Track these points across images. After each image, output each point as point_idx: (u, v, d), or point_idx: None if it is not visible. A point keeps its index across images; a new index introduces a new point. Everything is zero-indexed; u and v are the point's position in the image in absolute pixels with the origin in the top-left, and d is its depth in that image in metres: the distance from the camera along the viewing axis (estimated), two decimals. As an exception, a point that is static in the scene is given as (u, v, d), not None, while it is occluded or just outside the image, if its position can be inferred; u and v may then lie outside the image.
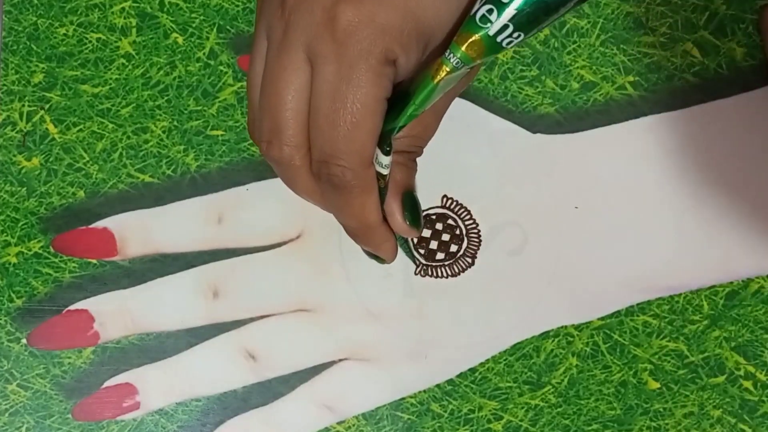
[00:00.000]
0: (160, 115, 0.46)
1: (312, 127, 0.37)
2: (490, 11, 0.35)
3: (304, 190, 0.39)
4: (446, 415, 0.45)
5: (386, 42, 0.36)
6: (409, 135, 0.39)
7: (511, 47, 0.35)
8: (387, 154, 0.38)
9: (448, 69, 0.36)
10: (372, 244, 0.40)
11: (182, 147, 0.46)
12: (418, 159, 0.41)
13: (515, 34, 0.35)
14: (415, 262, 0.46)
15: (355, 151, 0.37)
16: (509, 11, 0.35)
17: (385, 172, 0.38)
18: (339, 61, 0.36)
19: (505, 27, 0.35)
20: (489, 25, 0.35)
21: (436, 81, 0.36)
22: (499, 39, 0.35)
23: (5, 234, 0.45)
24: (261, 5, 0.39)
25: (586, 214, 0.46)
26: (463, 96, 0.46)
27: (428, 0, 0.37)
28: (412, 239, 0.45)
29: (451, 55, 0.36)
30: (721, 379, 0.46)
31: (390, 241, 0.41)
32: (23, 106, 0.45)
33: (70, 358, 0.44)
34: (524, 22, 0.35)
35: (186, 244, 0.45)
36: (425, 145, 0.41)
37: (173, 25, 0.46)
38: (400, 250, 0.44)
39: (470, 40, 0.35)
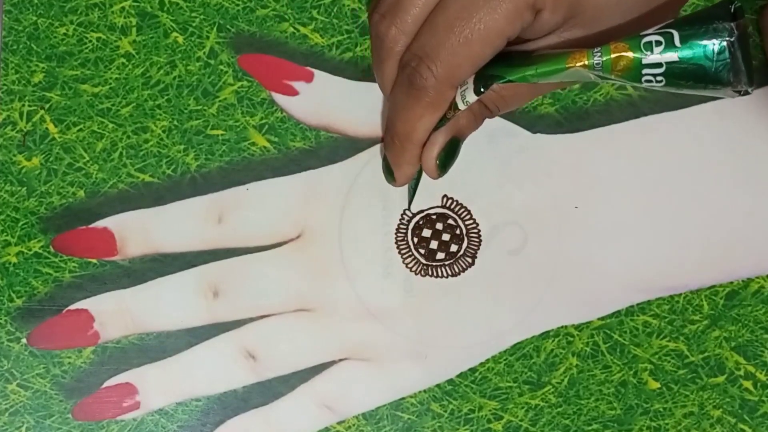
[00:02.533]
0: (160, 114, 0.46)
1: (427, 23, 0.37)
2: (658, 43, 0.35)
3: (384, 74, 0.39)
4: (446, 414, 0.45)
5: None
6: (499, 93, 0.40)
7: (642, 85, 0.36)
8: (477, 93, 0.38)
9: (586, 63, 0.36)
10: (398, 158, 0.41)
11: (182, 146, 0.46)
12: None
13: (658, 78, 0.35)
14: (409, 205, 0.45)
15: (453, 65, 0.37)
16: (671, 55, 0.35)
17: (462, 107, 0.38)
18: None
19: (658, 65, 0.35)
20: (648, 54, 0.35)
21: (567, 66, 0.36)
22: (644, 71, 0.35)
23: (5, 234, 0.45)
24: None
25: (587, 214, 0.46)
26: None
27: None
28: (412, 193, 0.45)
29: (599, 55, 0.36)
30: (721, 379, 0.46)
31: (413, 167, 0.41)
32: (23, 105, 0.45)
33: (70, 357, 0.44)
34: (675, 74, 0.35)
35: (186, 244, 0.45)
36: (504, 112, 0.41)
37: (173, 25, 0.46)
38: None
39: (624, 54, 0.35)
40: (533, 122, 0.46)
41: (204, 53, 0.46)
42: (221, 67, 0.46)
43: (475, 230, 0.45)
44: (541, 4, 0.36)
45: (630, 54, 0.35)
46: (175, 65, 0.46)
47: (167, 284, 0.45)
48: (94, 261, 0.45)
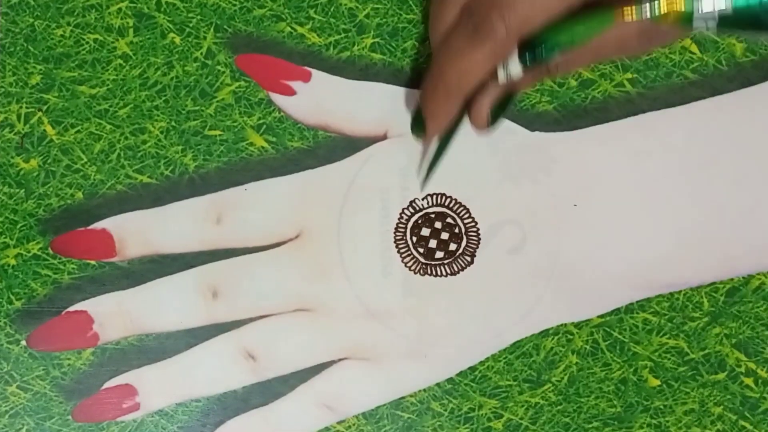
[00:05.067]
0: (158, 115, 0.46)
1: None
2: None
3: (441, 20, 0.39)
4: (446, 413, 0.45)
5: None
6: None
7: (698, 30, 0.35)
8: (525, 66, 0.37)
9: (634, 12, 0.35)
10: (439, 107, 0.40)
11: (180, 147, 0.46)
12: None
13: (710, 25, 0.34)
14: (425, 180, 0.44)
15: (526, 17, 0.36)
16: (725, 4, 0.34)
17: (502, 79, 0.37)
18: None
19: (709, 16, 0.34)
20: (699, 5, 0.34)
21: (617, 16, 0.35)
22: (696, 23, 0.34)
23: (4, 236, 0.45)
24: None
25: (586, 212, 0.46)
26: (461, 94, 0.46)
27: None
28: (429, 172, 0.44)
29: (648, 9, 0.35)
30: (722, 376, 0.46)
31: (448, 119, 0.40)
32: (21, 107, 0.45)
33: (69, 359, 0.45)
34: (728, 23, 0.34)
35: (185, 245, 0.45)
36: (565, 73, 0.40)
37: (170, 25, 0.46)
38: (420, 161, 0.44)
39: (676, 9, 0.34)
40: (532, 120, 0.46)
41: (201, 54, 0.46)
42: (219, 67, 0.46)
43: (474, 229, 0.45)
44: None
45: (682, 8, 0.35)
46: (173, 66, 0.46)
47: (166, 285, 0.45)
48: (93, 262, 0.45)
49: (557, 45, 0.36)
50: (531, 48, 0.37)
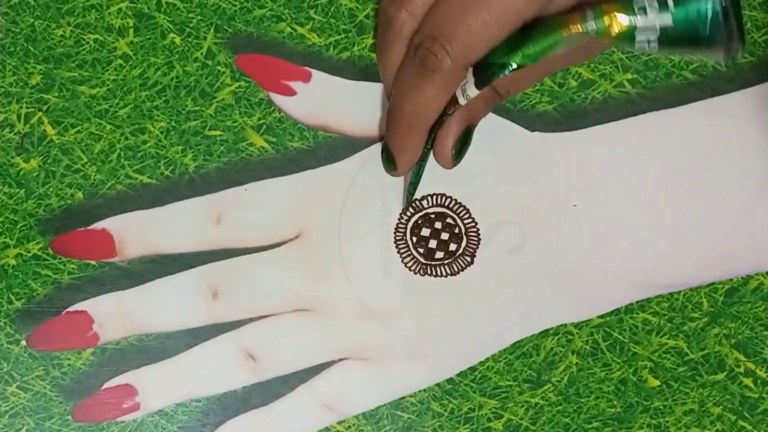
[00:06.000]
0: (158, 115, 0.46)
1: (441, 3, 0.37)
2: (651, 5, 0.34)
3: (390, 58, 0.40)
4: (446, 414, 0.45)
5: None
6: (509, 76, 0.39)
7: (637, 50, 0.35)
8: (479, 87, 0.37)
9: (580, 30, 0.35)
10: (403, 142, 0.40)
11: (180, 147, 0.46)
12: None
13: (652, 44, 0.35)
14: (406, 206, 0.45)
15: (469, 46, 0.37)
16: (666, 18, 0.34)
17: (462, 102, 0.38)
18: None
19: (651, 29, 0.34)
20: (642, 16, 0.34)
21: (563, 36, 0.35)
22: (638, 36, 0.35)
23: (4, 236, 0.45)
24: None
25: (585, 212, 0.46)
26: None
27: None
28: (411, 194, 0.45)
29: (592, 20, 0.35)
30: (721, 376, 0.46)
31: (415, 154, 0.41)
32: (21, 107, 0.45)
33: (69, 359, 0.44)
34: (669, 38, 0.34)
35: (185, 245, 0.45)
36: (515, 94, 0.41)
37: (170, 26, 0.46)
38: (402, 187, 0.44)
39: (617, 18, 0.35)
40: (531, 121, 0.46)
41: (201, 54, 0.46)
42: (219, 67, 0.46)
43: (474, 229, 0.45)
44: None
45: (624, 17, 0.35)
46: (173, 66, 0.46)
47: (166, 285, 0.45)
48: (93, 262, 0.45)
49: (507, 67, 0.37)
50: (484, 71, 0.37)
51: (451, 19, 0.37)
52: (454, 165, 0.42)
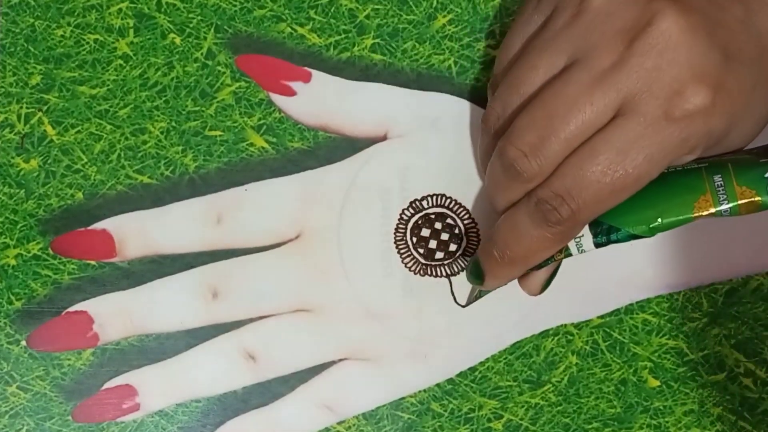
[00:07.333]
0: (158, 115, 0.46)
1: (574, 164, 0.37)
2: None
3: (505, 201, 0.39)
4: (446, 414, 0.45)
5: (704, 142, 0.35)
6: None
7: None
8: (597, 246, 0.38)
9: (713, 211, 0.35)
10: (500, 274, 0.41)
11: (180, 148, 0.46)
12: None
13: None
14: (468, 304, 0.45)
15: (595, 210, 0.37)
16: None
17: (575, 253, 0.38)
18: (654, 133, 0.35)
19: None
20: None
21: (694, 215, 0.36)
22: None
23: (4, 236, 0.45)
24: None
25: (585, 213, 0.46)
26: (462, 95, 0.46)
27: (750, 125, 0.37)
28: (478, 297, 0.45)
29: (725, 202, 0.35)
30: (721, 376, 0.46)
31: (507, 282, 0.42)
32: (21, 108, 0.45)
33: (69, 359, 0.44)
34: None
35: (185, 245, 0.45)
36: None
37: (170, 26, 0.46)
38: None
39: (752, 200, 0.35)
40: (531, 121, 0.46)
41: (201, 54, 0.46)
42: (219, 67, 0.46)
43: (474, 229, 0.45)
44: (692, 150, 0.36)
45: (758, 199, 0.35)
46: (173, 66, 0.46)
47: (166, 285, 0.45)
48: (93, 263, 0.45)
49: (632, 236, 0.37)
50: (605, 233, 0.38)
51: (584, 183, 0.36)
52: (539, 294, 0.43)
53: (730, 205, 0.35)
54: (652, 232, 0.37)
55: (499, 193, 0.40)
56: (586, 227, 0.39)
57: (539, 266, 0.41)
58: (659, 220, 0.36)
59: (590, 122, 0.36)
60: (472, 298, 0.45)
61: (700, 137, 0.36)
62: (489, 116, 0.40)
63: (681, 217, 0.36)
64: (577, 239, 0.39)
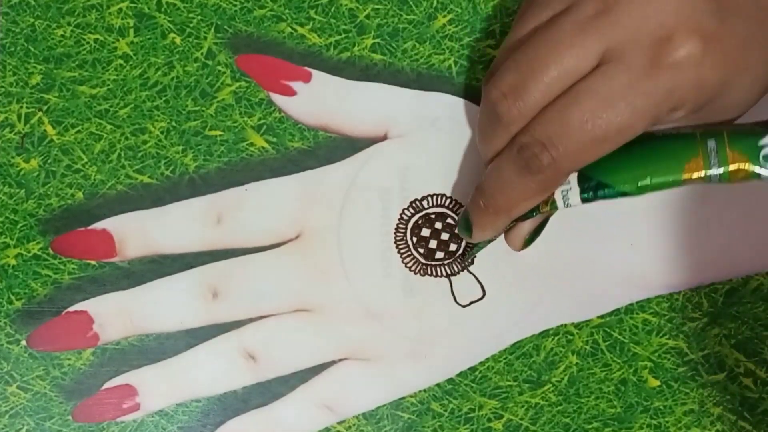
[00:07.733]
0: (159, 115, 0.46)
1: (557, 111, 0.36)
2: None
3: (493, 147, 0.39)
4: (446, 414, 0.45)
5: (693, 96, 0.34)
6: None
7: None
8: (584, 201, 0.37)
9: (702, 175, 0.35)
10: (487, 224, 0.40)
11: (181, 147, 0.46)
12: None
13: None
14: (470, 261, 0.45)
15: (577, 160, 0.36)
16: None
17: (561, 206, 0.38)
18: (638, 82, 0.34)
19: None
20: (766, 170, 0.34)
21: (684, 178, 0.35)
22: (762, 179, 0.34)
23: (4, 236, 0.45)
24: None
25: (585, 212, 0.46)
26: (462, 95, 0.46)
27: (746, 86, 0.35)
28: (478, 251, 0.45)
29: (716, 166, 0.34)
30: (721, 376, 0.46)
31: (494, 233, 0.41)
32: (21, 107, 0.45)
33: (69, 359, 0.44)
34: None
35: (185, 245, 0.45)
36: None
37: (171, 26, 0.46)
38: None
39: (743, 168, 0.34)
40: (531, 121, 0.46)
41: (202, 54, 0.46)
42: (219, 67, 0.46)
43: (474, 229, 0.45)
44: (681, 104, 0.35)
45: (749, 167, 0.34)
46: (173, 66, 0.46)
47: (166, 285, 0.45)
48: (93, 262, 0.45)
49: (621, 194, 0.37)
50: (593, 189, 0.37)
51: (565, 130, 0.36)
52: (521, 250, 0.42)
53: (721, 170, 0.35)
54: (640, 191, 0.36)
55: (485, 141, 0.39)
56: (575, 181, 0.38)
57: (524, 217, 0.40)
58: (648, 178, 0.36)
59: (571, 68, 0.36)
60: (468, 260, 0.45)
61: (688, 89, 0.35)
62: (489, 73, 0.40)
63: (671, 178, 0.35)
64: (564, 193, 0.38)
